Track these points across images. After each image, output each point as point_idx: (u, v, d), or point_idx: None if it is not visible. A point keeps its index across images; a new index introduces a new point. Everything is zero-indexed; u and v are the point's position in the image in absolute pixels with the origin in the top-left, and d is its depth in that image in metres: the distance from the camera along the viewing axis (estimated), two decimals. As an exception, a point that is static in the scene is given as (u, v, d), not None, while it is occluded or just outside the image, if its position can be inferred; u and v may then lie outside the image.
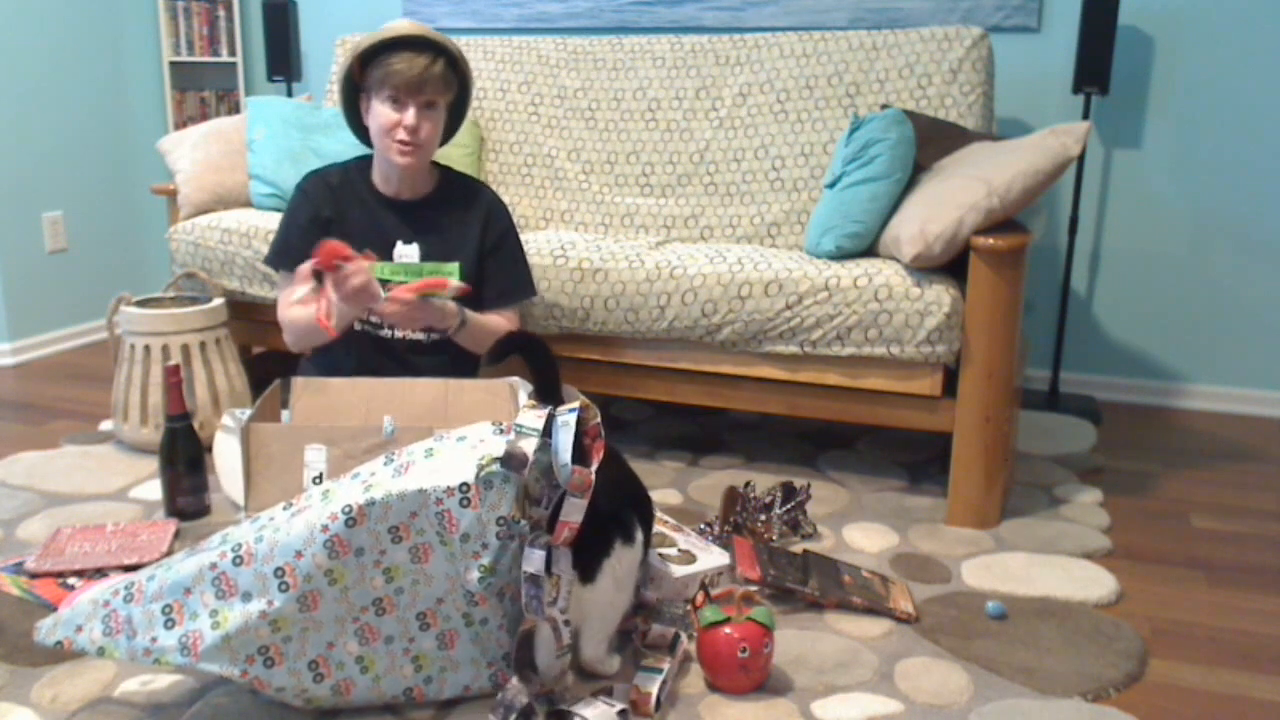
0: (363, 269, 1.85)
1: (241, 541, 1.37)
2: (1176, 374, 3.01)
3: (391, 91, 1.98)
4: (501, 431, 1.45)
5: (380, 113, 2.01)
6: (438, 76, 1.99)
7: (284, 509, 1.41)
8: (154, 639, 1.35)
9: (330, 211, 2.10)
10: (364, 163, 2.16)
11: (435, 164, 2.18)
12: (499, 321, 2.13)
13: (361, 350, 2.10)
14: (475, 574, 1.40)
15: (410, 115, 1.99)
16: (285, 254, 2.11)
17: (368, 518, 1.35)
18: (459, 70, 2.07)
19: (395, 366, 2.10)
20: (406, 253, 2.09)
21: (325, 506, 1.36)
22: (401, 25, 2.01)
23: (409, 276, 1.96)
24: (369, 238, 2.07)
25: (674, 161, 2.74)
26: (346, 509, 1.35)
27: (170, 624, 1.35)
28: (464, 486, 1.37)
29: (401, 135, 2.00)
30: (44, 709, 1.47)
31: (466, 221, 2.14)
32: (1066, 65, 2.92)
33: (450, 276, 1.99)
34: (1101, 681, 1.57)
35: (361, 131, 2.14)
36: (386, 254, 2.08)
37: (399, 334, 2.09)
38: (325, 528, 1.34)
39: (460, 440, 1.44)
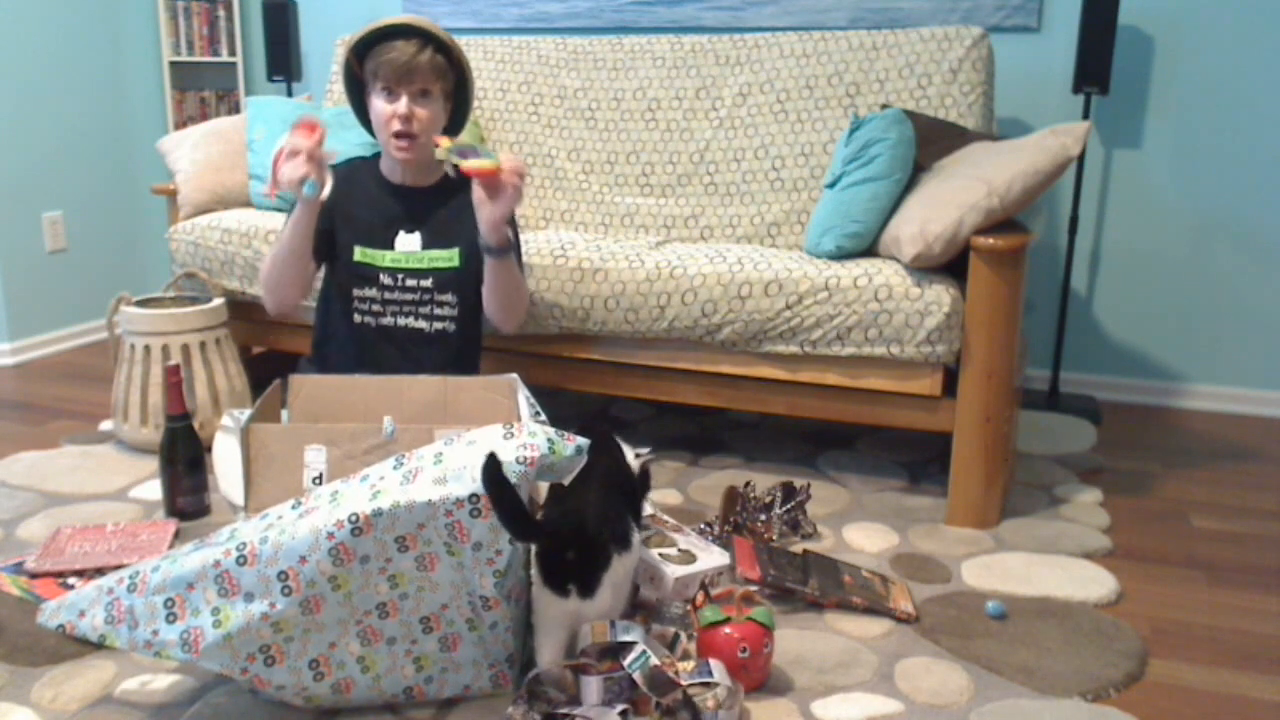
0: (316, 140, 1.89)
1: (246, 541, 1.36)
2: (1176, 374, 3.01)
3: (384, 82, 2.01)
4: (511, 435, 1.44)
5: (376, 106, 2.04)
6: (427, 63, 2.00)
7: (292, 508, 1.41)
8: (155, 632, 1.35)
9: (328, 201, 2.11)
10: (377, 154, 2.20)
11: None
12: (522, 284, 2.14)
13: (363, 340, 2.11)
14: (491, 580, 1.39)
15: (403, 104, 2.00)
16: None
17: (374, 527, 1.34)
18: (453, 58, 2.07)
19: (398, 356, 2.10)
20: (408, 241, 2.11)
21: (332, 511, 1.35)
22: (394, 17, 2.03)
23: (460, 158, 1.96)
24: (372, 224, 2.11)
25: (674, 161, 2.74)
26: (353, 518, 1.34)
27: (172, 618, 1.35)
28: (474, 498, 1.36)
29: (396, 126, 2.02)
30: (44, 709, 1.47)
31: (469, 210, 2.14)
32: (1066, 65, 2.92)
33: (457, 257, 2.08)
34: (1101, 681, 1.57)
35: (371, 128, 2.16)
36: (388, 241, 2.11)
37: (401, 323, 2.10)
38: (331, 535, 1.33)
39: (470, 445, 1.44)
